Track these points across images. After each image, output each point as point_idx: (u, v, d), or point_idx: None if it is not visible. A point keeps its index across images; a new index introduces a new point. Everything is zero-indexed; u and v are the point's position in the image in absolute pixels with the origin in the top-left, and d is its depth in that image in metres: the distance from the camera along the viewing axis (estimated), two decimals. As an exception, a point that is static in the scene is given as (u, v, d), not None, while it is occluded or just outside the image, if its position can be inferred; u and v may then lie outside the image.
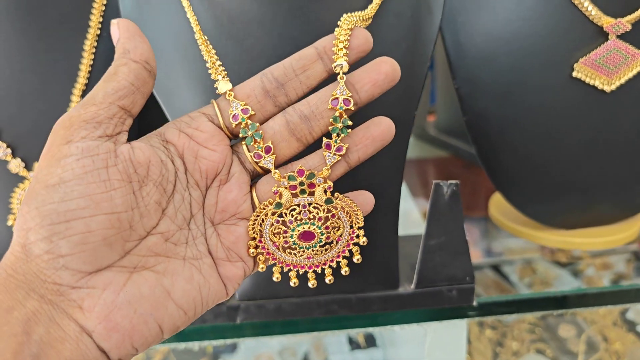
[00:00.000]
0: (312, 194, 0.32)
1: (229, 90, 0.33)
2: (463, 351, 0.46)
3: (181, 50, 0.38)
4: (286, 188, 0.32)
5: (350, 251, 0.34)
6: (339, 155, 0.32)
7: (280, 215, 0.32)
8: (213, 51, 0.35)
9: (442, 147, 0.87)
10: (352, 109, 0.32)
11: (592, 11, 0.44)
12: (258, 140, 0.32)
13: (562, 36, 0.45)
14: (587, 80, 0.45)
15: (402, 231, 0.43)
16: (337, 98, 0.32)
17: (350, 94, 0.32)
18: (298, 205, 0.32)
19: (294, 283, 0.34)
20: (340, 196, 0.33)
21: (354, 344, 0.76)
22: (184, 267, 0.31)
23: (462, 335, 0.46)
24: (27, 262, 0.27)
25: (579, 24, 0.44)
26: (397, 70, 0.33)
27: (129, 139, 0.31)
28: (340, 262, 0.34)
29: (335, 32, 0.33)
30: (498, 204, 0.60)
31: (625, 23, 0.44)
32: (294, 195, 0.32)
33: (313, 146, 0.34)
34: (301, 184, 0.32)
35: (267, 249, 0.33)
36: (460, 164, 0.87)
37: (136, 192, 0.29)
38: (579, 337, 0.80)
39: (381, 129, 0.33)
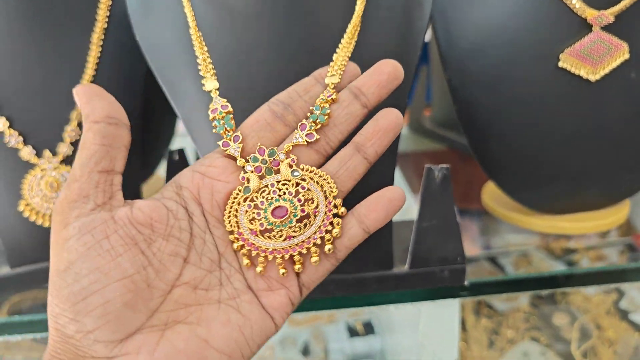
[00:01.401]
0: (278, 171, 0.32)
1: (215, 89, 0.35)
2: (456, 330, 0.48)
3: (183, 42, 0.40)
4: (252, 172, 0.32)
5: (331, 223, 0.32)
6: (307, 140, 0.33)
7: (252, 200, 0.32)
8: (205, 48, 0.37)
9: (438, 140, 0.89)
10: (335, 98, 0.34)
11: (577, 4, 0.46)
12: (228, 129, 0.33)
13: (548, 28, 0.47)
14: (573, 70, 0.47)
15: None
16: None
17: (334, 91, 0.34)
18: (266, 185, 0.32)
19: (282, 274, 0.31)
20: (308, 167, 0.32)
21: (352, 332, 0.78)
22: (218, 311, 0.30)
23: (454, 315, 0.48)
24: (65, 343, 0.28)
25: (564, 17, 0.46)
26: (400, 69, 0.34)
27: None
28: (324, 236, 0.31)
29: (331, 63, 0.36)
30: (490, 192, 0.62)
31: (608, 15, 0.46)
32: (262, 178, 0.33)
33: None
34: (264, 162, 0.32)
35: (247, 239, 0.31)
36: (456, 155, 0.89)
37: (145, 250, 0.29)
38: (572, 325, 0.82)
39: (389, 119, 0.34)
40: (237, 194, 0.32)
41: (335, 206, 0.32)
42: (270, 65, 0.39)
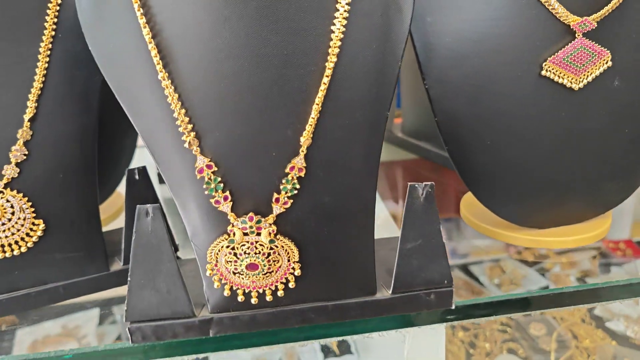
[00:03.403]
0: (259, 234, 0.38)
1: (197, 147, 0.37)
2: (442, 355, 0.45)
3: (141, 51, 0.36)
4: (239, 229, 0.38)
5: (287, 278, 0.40)
6: (284, 208, 0.38)
7: (233, 248, 0.38)
8: (180, 105, 0.36)
9: (409, 149, 0.87)
10: (303, 176, 0.37)
11: (559, 9, 0.44)
12: (218, 190, 0.37)
13: (530, 35, 0.45)
14: (556, 78, 0.45)
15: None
16: (294, 165, 0.37)
17: (305, 165, 0.37)
18: (247, 242, 0.38)
19: (241, 299, 0.40)
20: (281, 237, 0.38)
21: (327, 352, 0.75)
22: None
23: (441, 340, 0.45)
24: None
25: (546, 23, 0.44)
26: None
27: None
28: (278, 286, 0.40)
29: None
30: (469, 205, 0.59)
31: (591, 21, 0.44)
32: (245, 234, 0.38)
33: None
34: (250, 227, 0.38)
35: (221, 272, 0.39)
36: (428, 166, 0.87)
37: None
38: (549, 335, 0.80)
39: None
40: (222, 240, 0.38)
41: (294, 268, 0.40)
42: (242, 77, 0.36)
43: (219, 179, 0.37)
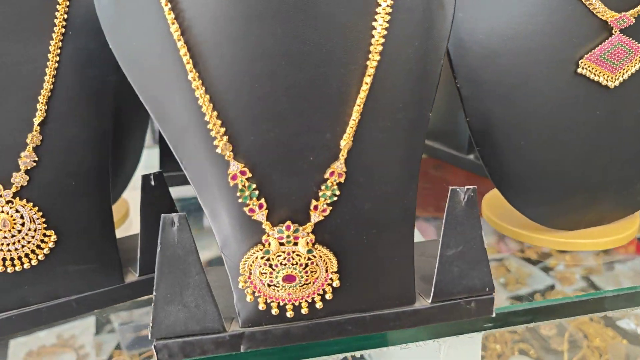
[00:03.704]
0: (296, 243, 0.36)
1: (230, 152, 0.34)
2: (479, 365, 0.43)
3: (170, 51, 0.33)
4: (275, 238, 0.35)
5: (324, 290, 0.37)
6: (323, 215, 0.35)
7: (268, 259, 0.36)
8: (211, 107, 0.34)
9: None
10: (342, 181, 0.35)
11: (597, 5, 0.42)
12: (253, 198, 0.35)
13: (566, 31, 0.43)
14: (592, 76, 0.43)
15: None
16: (333, 170, 0.35)
17: (345, 170, 0.35)
18: (283, 252, 0.36)
19: (275, 312, 0.38)
20: (319, 247, 0.36)
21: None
22: None
23: (477, 349, 0.44)
24: None
25: (582, 19, 0.43)
26: None
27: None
28: (315, 298, 0.37)
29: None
30: (492, 206, 0.58)
31: (629, 17, 0.42)
32: (281, 244, 0.35)
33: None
34: (287, 236, 0.35)
35: (255, 285, 0.37)
36: (431, 163, 0.86)
37: None
38: (560, 336, 0.80)
39: None
40: (257, 251, 0.36)
41: (332, 279, 0.37)
42: (277, 77, 0.33)
43: (254, 185, 0.35)
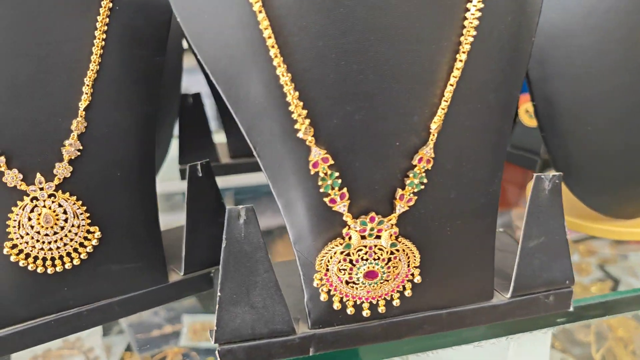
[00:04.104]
0: (378, 237, 0.33)
1: (311, 137, 0.31)
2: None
3: (249, 25, 0.30)
4: (357, 231, 0.32)
5: (404, 286, 0.35)
6: (408, 205, 0.33)
7: (348, 254, 0.33)
8: (293, 87, 0.30)
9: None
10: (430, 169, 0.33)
11: (673, -18, 0.40)
12: (335, 188, 0.32)
13: (640, 10, 0.41)
14: (666, 57, 0.42)
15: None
16: (422, 156, 0.32)
17: (433, 156, 0.32)
18: (365, 246, 0.33)
19: (350, 312, 0.35)
20: (403, 240, 0.34)
21: None
22: None
23: (546, 345, 0.42)
24: None
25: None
26: None
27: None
28: (393, 295, 0.35)
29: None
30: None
31: None
32: (362, 237, 0.33)
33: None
34: (371, 229, 0.33)
35: (331, 282, 0.34)
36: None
37: None
38: (586, 327, 0.79)
39: None
40: (336, 245, 0.33)
41: (413, 274, 0.35)
42: (367, 53, 0.30)
43: (336, 174, 0.32)
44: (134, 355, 0.54)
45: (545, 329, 0.40)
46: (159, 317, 0.57)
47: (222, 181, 0.45)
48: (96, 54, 0.35)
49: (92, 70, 0.35)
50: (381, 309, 0.35)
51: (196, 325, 0.56)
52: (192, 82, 0.66)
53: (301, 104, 0.30)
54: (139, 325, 0.56)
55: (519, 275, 0.37)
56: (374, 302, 0.35)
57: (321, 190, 0.32)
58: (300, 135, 0.31)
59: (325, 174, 0.31)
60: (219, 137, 0.66)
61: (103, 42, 0.36)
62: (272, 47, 0.30)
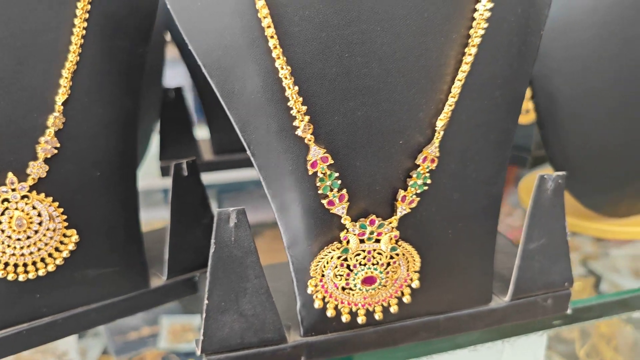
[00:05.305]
0: (377, 240, 0.31)
1: (310, 134, 0.29)
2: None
3: (246, 14, 0.28)
4: (355, 235, 0.31)
5: (402, 292, 0.34)
6: (409, 208, 0.31)
7: (345, 259, 0.32)
8: (292, 81, 0.28)
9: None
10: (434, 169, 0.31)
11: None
12: (334, 189, 0.30)
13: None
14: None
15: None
16: (426, 156, 0.30)
17: (438, 156, 0.30)
18: (364, 250, 0.31)
19: (345, 319, 0.33)
20: (403, 243, 0.32)
21: None
22: None
23: (540, 349, 0.41)
24: None
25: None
26: None
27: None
28: (390, 301, 0.33)
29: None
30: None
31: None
32: (361, 241, 0.31)
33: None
34: (371, 232, 0.31)
35: (326, 289, 0.32)
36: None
37: None
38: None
39: None
40: (333, 250, 0.31)
41: (412, 279, 0.33)
42: (370, 45, 0.29)
43: (336, 174, 0.30)
44: (111, 359, 0.52)
45: (540, 331, 0.39)
46: (136, 319, 0.54)
47: (204, 179, 0.42)
48: (76, 44, 0.33)
49: (71, 61, 0.33)
50: (378, 315, 0.33)
51: (176, 326, 0.54)
52: (171, 75, 0.63)
53: (301, 99, 0.29)
54: (115, 328, 0.53)
55: (519, 277, 0.36)
56: (371, 309, 0.33)
57: (319, 191, 0.30)
58: (298, 132, 0.29)
59: (324, 174, 0.30)
60: (200, 133, 0.63)
61: (83, 32, 0.33)
62: (272, 37, 0.28)
